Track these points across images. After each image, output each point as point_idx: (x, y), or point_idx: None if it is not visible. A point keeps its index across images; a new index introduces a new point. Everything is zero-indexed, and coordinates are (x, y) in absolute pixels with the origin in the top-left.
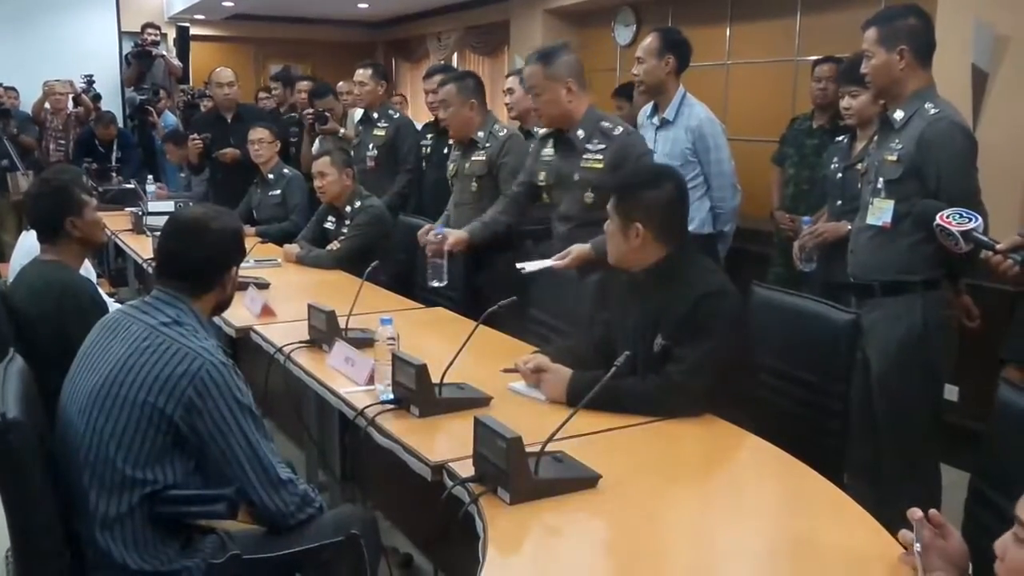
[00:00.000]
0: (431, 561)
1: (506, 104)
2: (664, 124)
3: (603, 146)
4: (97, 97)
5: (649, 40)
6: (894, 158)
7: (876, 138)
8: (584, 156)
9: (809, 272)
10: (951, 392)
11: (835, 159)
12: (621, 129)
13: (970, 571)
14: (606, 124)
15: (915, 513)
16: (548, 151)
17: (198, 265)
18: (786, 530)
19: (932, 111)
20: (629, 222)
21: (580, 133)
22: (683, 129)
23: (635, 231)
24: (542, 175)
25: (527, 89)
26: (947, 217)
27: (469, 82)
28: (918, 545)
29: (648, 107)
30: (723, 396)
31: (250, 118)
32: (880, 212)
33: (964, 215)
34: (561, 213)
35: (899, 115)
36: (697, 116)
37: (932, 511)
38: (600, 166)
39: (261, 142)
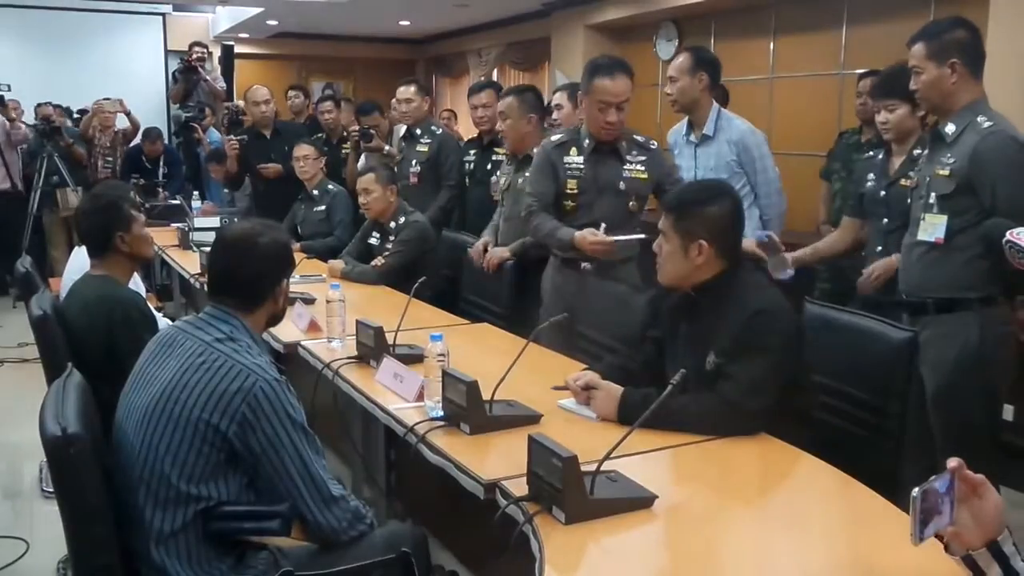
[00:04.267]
0: None
1: (554, 119)
2: (704, 140)
3: (643, 157)
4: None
5: (681, 59)
6: (946, 172)
7: (927, 152)
8: (625, 166)
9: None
10: (1007, 411)
11: (870, 176)
12: (655, 142)
13: (1007, 539)
14: (638, 137)
15: (952, 461)
16: (574, 159)
17: (249, 280)
18: (847, 552)
19: (985, 124)
20: (691, 239)
21: (624, 144)
22: (725, 142)
23: (697, 248)
24: (572, 184)
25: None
26: (1018, 234)
27: (529, 96)
28: (916, 490)
29: (681, 126)
30: (778, 414)
31: (288, 134)
32: (932, 228)
33: None
34: (598, 220)
35: (951, 129)
36: (738, 129)
37: (972, 474)
38: (645, 177)
39: (307, 159)
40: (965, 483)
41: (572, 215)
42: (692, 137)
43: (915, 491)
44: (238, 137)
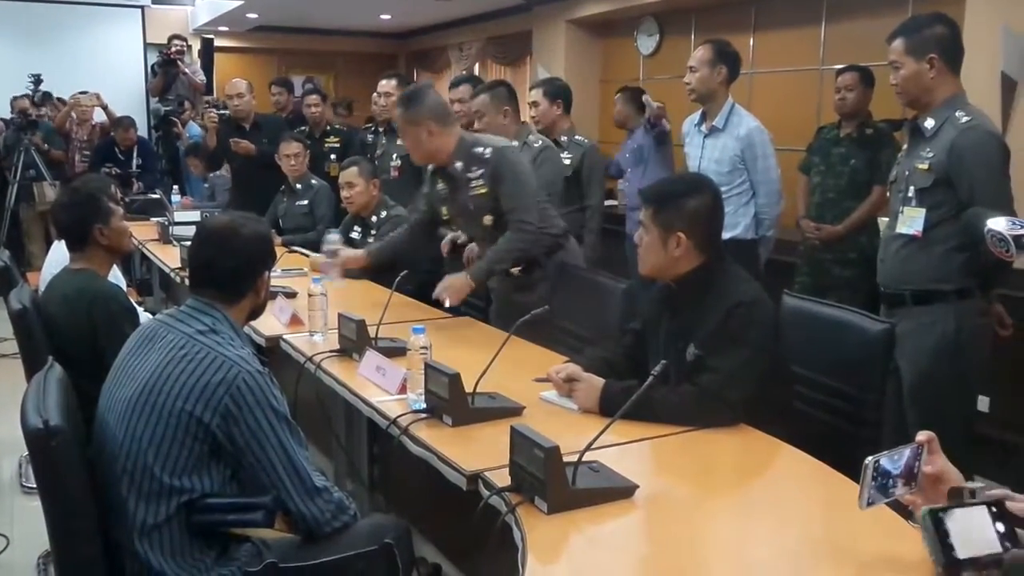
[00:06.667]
0: (461, 571)
1: (532, 117)
2: (713, 131)
3: (480, 171)
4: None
5: (702, 51)
6: (925, 166)
7: (906, 147)
8: (470, 185)
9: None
10: (982, 403)
11: None
12: (490, 149)
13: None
14: (477, 150)
15: (922, 435)
16: (440, 185)
17: (230, 272)
18: (826, 540)
19: (964, 119)
20: (670, 232)
21: (459, 165)
22: (732, 137)
23: (676, 240)
24: (444, 209)
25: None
26: (999, 222)
27: (502, 91)
28: (870, 459)
29: (696, 115)
30: (757, 406)
31: (268, 127)
32: (911, 221)
33: (1015, 223)
34: (471, 237)
35: (930, 123)
36: (747, 125)
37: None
38: (485, 191)
39: (297, 156)
40: (931, 468)
41: None
42: (703, 127)
43: (868, 459)
44: (220, 112)
